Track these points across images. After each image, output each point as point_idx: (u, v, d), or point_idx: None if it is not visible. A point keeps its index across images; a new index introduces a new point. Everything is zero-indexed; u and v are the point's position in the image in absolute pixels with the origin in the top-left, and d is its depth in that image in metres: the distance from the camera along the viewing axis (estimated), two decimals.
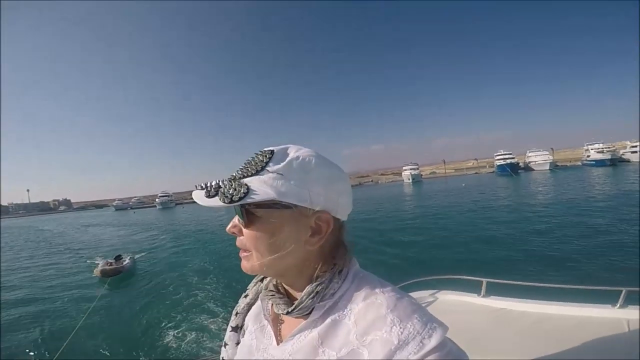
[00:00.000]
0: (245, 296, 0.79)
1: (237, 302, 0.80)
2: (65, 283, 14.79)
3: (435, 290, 3.36)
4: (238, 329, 0.77)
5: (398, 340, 0.48)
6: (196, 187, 0.59)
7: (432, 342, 0.46)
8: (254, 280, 0.78)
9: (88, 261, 17.71)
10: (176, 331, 8.24)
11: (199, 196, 0.56)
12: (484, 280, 3.11)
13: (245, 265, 0.60)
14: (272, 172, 0.55)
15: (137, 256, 18.09)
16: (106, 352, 7.51)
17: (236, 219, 0.59)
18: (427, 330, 0.48)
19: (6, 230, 53.39)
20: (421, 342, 0.47)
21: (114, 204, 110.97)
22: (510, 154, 69.77)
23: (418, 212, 26.16)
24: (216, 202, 0.53)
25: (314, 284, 0.59)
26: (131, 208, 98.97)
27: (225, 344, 0.78)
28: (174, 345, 7.59)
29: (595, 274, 8.38)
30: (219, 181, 0.57)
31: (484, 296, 3.11)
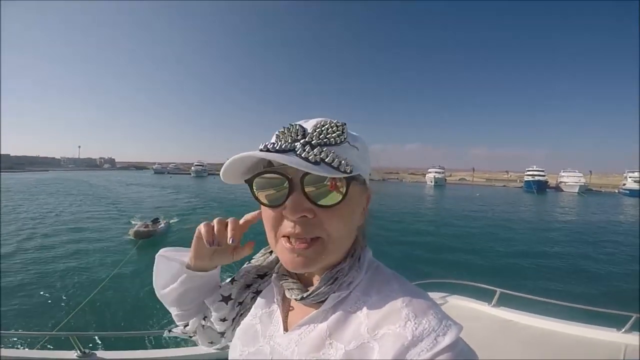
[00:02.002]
0: (249, 263, 0.74)
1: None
2: (102, 238, 15.90)
3: (446, 294, 3.39)
4: (229, 299, 0.69)
5: (412, 335, 0.45)
6: (268, 148, 0.50)
7: (446, 340, 0.44)
8: (262, 251, 0.74)
9: (132, 221, 18.14)
10: None
11: (295, 161, 0.47)
12: (498, 290, 3.12)
13: (309, 260, 0.52)
14: (352, 146, 0.52)
15: (172, 221, 18.57)
16: (120, 315, 7.93)
17: (302, 199, 0.50)
18: (442, 328, 0.46)
19: (64, 181, 60.17)
20: (435, 339, 0.45)
21: (154, 167, 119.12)
22: (542, 171, 67.87)
23: (425, 213, 27.53)
24: (321, 170, 0.47)
25: (334, 270, 0.56)
26: (168, 173, 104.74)
27: (206, 316, 0.74)
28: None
29: (603, 297, 8.74)
30: (304, 144, 0.50)
31: (494, 306, 3.12)
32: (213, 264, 0.70)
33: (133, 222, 17.34)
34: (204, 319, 0.75)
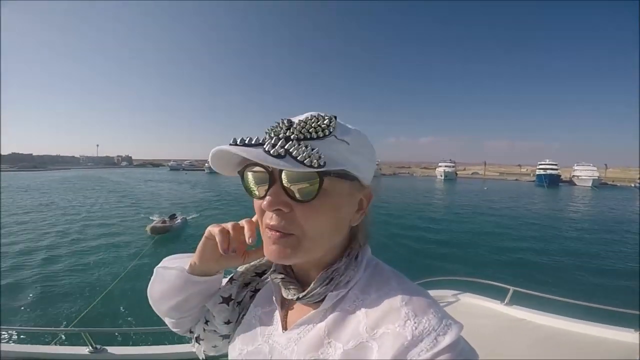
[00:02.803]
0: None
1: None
2: (122, 233, 16.39)
3: (458, 292, 3.34)
4: (230, 300, 0.66)
5: (412, 335, 0.45)
6: (237, 142, 0.48)
7: (447, 340, 0.44)
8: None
9: (150, 217, 18.34)
10: None
11: (255, 154, 0.46)
12: (511, 288, 3.07)
13: (282, 250, 0.51)
14: (339, 140, 0.50)
15: (189, 217, 18.89)
16: (132, 312, 7.95)
17: (279, 192, 0.49)
18: (442, 327, 0.45)
19: (87, 178, 63.48)
20: (435, 339, 0.44)
21: (170, 164, 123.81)
22: (554, 164, 66.60)
23: (423, 207, 27.63)
24: (283, 164, 0.45)
25: (330, 269, 0.55)
26: (183, 169, 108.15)
27: (207, 322, 0.70)
28: None
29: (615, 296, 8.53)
30: (278, 139, 0.48)
31: (507, 304, 3.07)
32: (219, 267, 0.66)
33: (152, 218, 17.56)
34: (206, 323, 0.70)
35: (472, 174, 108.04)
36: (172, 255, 0.73)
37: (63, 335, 5.84)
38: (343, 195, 0.52)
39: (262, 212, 0.53)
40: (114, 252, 13.33)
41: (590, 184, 58.86)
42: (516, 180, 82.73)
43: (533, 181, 71.17)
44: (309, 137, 0.48)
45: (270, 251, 0.53)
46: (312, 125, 0.49)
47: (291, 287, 0.59)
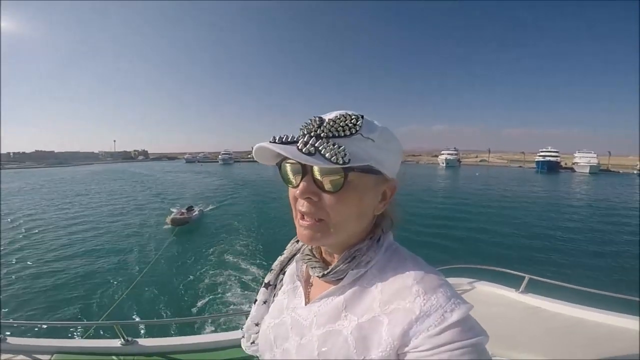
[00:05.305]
0: (281, 255, 0.81)
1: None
2: (146, 224, 17.05)
3: (473, 280, 3.44)
4: (269, 285, 0.79)
5: (420, 310, 0.48)
6: (275, 140, 0.55)
7: (454, 317, 0.47)
8: (292, 241, 0.80)
9: (171, 209, 18.78)
10: (219, 288, 8.88)
11: (290, 151, 0.52)
12: (527, 276, 3.15)
13: (313, 234, 0.57)
14: (365, 138, 0.55)
15: (206, 209, 19.25)
16: (160, 304, 8.17)
17: (310, 183, 0.55)
18: (450, 305, 0.48)
19: (111, 172, 68.16)
20: (443, 315, 0.47)
21: (185, 157, 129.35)
22: (555, 152, 67.83)
23: (420, 193, 28.32)
24: (312, 161, 0.51)
25: (353, 249, 0.60)
26: (198, 161, 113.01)
27: (256, 300, 0.81)
28: (212, 300, 8.28)
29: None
30: (310, 137, 0.54)
31: (522, 292, 3.13)
32: None
33: (172, 210, 18.07)
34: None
35: (481, 161, 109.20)
36: None
37: (104, 333, 5.71)
38: (367, 188, 0.57)
39: (295, 200, 0.59)
40: (139, 242, 13.94)
41: (588, 170, 59.85)
42: (520, 167, 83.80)
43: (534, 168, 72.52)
44: (337, 135, 0.53)
45: (302, 235, 0.58)
46: (340, 124, 0.54)
47: (316, 266, 0.65)
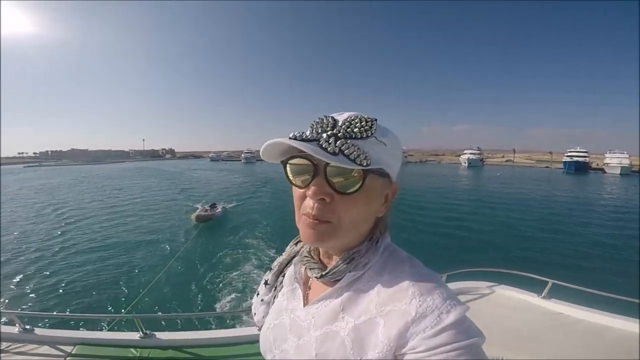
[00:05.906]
0: (281, 255, 0.81)
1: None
2: (171, 219, 17.65)
3: (493, 284, 3.33)
4: (267, 284, 0.80)
5: (416, 312, 0.48)
6: (296, 136, 0.53)
7: (450, 318, 0.47)
8: (291, 243, 0.80)
9: (195, 206, 19.40)
10: (239, 285, 8.96)
11: (312, 149, 0.50)
12: (551, 281, 3.03)
13: (319, 235, 0.56)
14: (379, 141, 0.55)
15: (229, 206, 19.53)
16: (179, 297, 8.33)
17: (323, 184, 0.54)
18: (445, 306, 0.48)
19: (143, 169, 72.92)
20: (439, 316, 0.47)
21: (210, 155, 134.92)
22: (584, 152, 65.38)
23: (429, 191, 29.04)
24: (337, 160, 0.50)
25: (352, 251, 0.60)
26: (222, 160, 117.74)
27: (258, 293, 0.82)
28: (226, 298, 8.34)
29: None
30: (329, 136, 0.53)
31: (544, 297, 3.03)
32: None
33: (196, 207, 18.59)
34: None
35: (506, 161, 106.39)
36: None
37: (125, 327, 5.78)
38: (376, 191, 0.57)
39: (301, 200, 0.57)
40: (165, 237, 14.39)
41: (618, 172, 57.20)
42: (546, 167, 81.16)
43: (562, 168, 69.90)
44: (354, 136, 0.53)
45: (307, 235, 0.57)
46: (357, 126, 0.53)
47: (315, 267, 0.65)
